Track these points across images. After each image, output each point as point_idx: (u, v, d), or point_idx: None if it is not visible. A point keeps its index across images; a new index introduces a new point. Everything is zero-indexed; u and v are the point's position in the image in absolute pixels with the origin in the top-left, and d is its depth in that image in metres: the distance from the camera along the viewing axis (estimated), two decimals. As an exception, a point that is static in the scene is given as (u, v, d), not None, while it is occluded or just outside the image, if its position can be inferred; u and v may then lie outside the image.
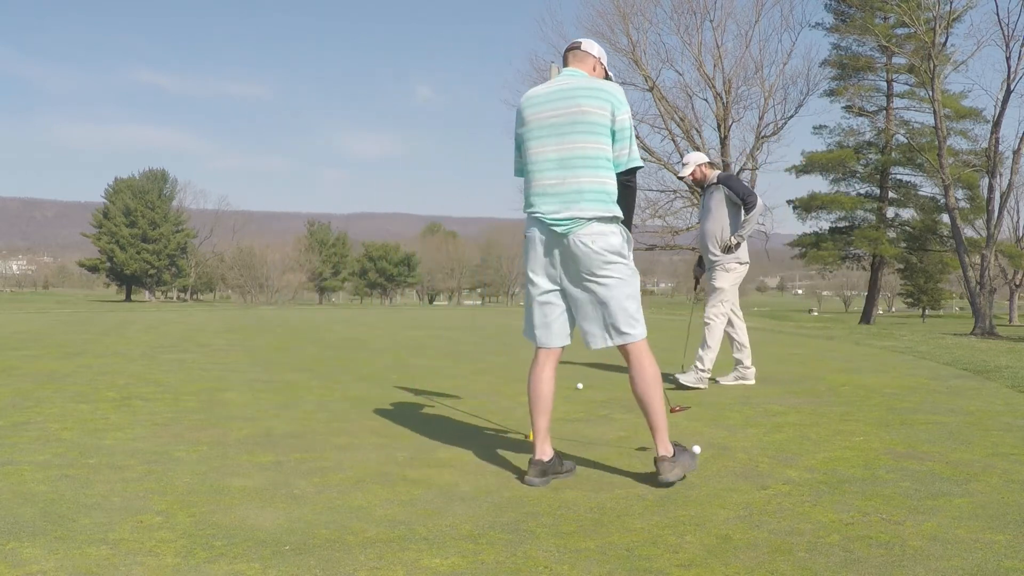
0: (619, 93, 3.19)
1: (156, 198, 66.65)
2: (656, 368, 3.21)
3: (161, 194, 67.60)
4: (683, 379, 5.75)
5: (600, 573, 2.23)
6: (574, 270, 3.19)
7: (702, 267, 6.27)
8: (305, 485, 3.07)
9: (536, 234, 3.23)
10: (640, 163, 3.27)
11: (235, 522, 2.63)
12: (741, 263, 6.03)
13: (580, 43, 3.37)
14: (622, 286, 3.17)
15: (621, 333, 3.17)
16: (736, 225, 5.95)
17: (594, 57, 3.36)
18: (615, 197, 3.18)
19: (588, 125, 3.14)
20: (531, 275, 3.28)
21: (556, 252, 3.20)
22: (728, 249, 5.93)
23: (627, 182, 3.23)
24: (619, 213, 3.19)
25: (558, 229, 3.14)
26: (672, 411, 3.68)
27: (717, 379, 6.13)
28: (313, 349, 8.65)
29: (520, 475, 3.25)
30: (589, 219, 3.13)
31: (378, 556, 2.34)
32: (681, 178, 6.16)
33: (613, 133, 3.16)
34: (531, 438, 3.96)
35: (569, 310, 3.29)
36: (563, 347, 3.33)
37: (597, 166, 3.14)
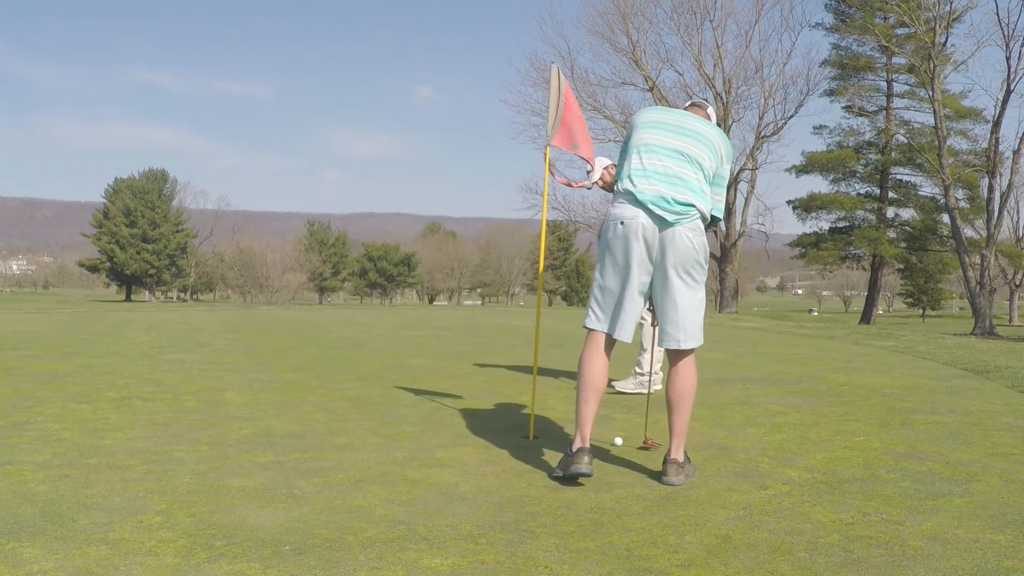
0: (731, 149, 3.43)
1: (156, 198, 66.59)
2: (696, 378, 3.28)
3: (161, 194, 67.54)
4: (619, 386, 5.45)
5: (600, 573, 2.23)
6: (670, 263, 3.14)
7: None
8: (305, 485, 3.07)
9: (640, 220, 3.13)
10: (721, 216, 3.42)
11: (235, 522, 2.63)
12: None
13: (707, 105, 3.64)
14: (699, 290, 3.23)
15: (688, 339, 3.22)
16: None
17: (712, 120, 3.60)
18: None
19: (708, 143, 3.28)
20: (620, 262, 3.16)
21: (656, 242, 3.14)
22: None
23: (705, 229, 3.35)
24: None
25: (668, 216, 3.11)
26: (645, 444, 3.72)
27: (613, 384, 5.56)
28: (313, 349, 8.65)
29: (520, 475, 3.25)
30: (698, 213, 3.17)
31: (378, 556, 2.34)
32: (589, 187, 5.42)
33: (715, 175, 3.31)
34: (531, 438, 3.96)
35: (636, 307, 3.23)
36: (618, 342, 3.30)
37: (704, 177, 3.25)
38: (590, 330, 3.29)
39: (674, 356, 3.27)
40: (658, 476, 3.20)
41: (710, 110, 3.65)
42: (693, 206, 3.14)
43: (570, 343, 9.30)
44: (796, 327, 14.14)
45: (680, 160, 3.22)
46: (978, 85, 41.98)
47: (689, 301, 3.20)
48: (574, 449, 3.12)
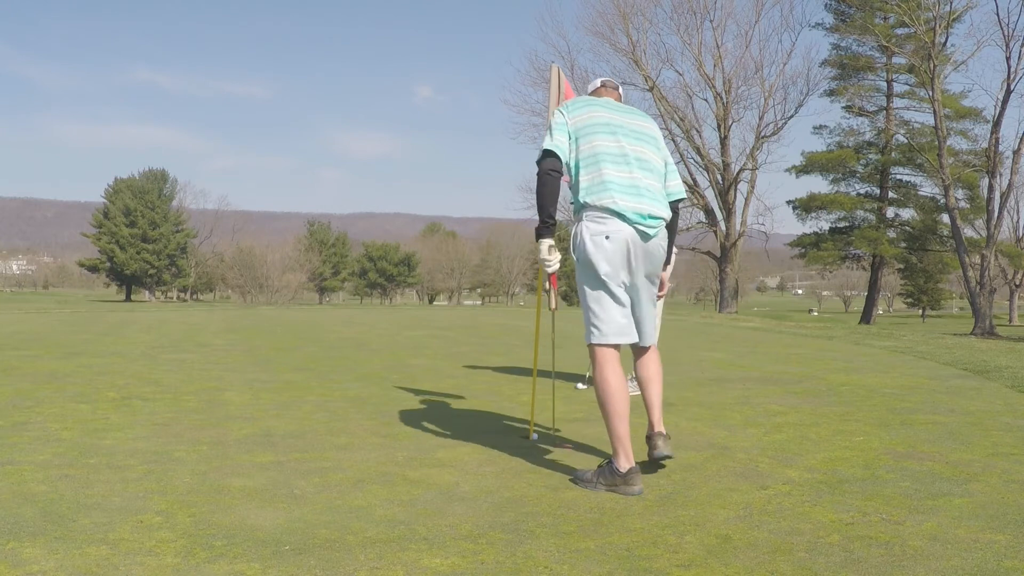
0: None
1: (156, 198, 66.61)
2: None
3: (161, 194, 67.56)
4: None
5: (600, 573, 2.23)
6: (647, 270, 3.28)
7: None
8: (305, 485, 3.07)
9: (624, 235, 3.17)
10: (683, 195, 3.54)
11: (235, 522, 2.63)
12: None
13: (619, 84, 3.68)
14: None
15: (657, 333, 3.49)
16: None
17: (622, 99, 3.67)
18: None
19: (655, 143, 3.39)
20: (611, 274, 3.18)
21: (638, 252, 3.21)
22: None
23: (674, 210, 3.45)
24: None
25: (651, 231, 3.20)
26: (563, 447, 3.78)
27: (578, 385, 5.58)
28: (313, 349, 8.65)
29: (520, 475, 3.25)
30: (664, 222, 3.29)
31: (378, 556, 2.34)
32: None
33: (666, 166, 3.44)
34: (530, 438, 3.97)
35: (628, 314, 3.31)
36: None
37: (661, 185, 3.36)
38: (598, 346, 3.22)
39: (643, 350, 3.42)
40: (658, 476, 3.19)
41: (621, 90, 3.67)
42: (663, 219, 3.26)
43: (570, 343, 9.29)
44: (796, 327, 14.14)
45: (644, 170, 3.27)
46: (978, 85, 42.10)
47: (655, 299, 3.43)
48: (624, 469, 3.04)
